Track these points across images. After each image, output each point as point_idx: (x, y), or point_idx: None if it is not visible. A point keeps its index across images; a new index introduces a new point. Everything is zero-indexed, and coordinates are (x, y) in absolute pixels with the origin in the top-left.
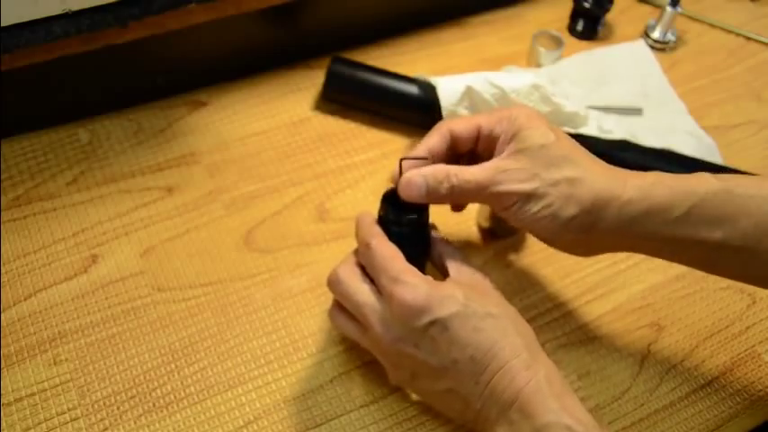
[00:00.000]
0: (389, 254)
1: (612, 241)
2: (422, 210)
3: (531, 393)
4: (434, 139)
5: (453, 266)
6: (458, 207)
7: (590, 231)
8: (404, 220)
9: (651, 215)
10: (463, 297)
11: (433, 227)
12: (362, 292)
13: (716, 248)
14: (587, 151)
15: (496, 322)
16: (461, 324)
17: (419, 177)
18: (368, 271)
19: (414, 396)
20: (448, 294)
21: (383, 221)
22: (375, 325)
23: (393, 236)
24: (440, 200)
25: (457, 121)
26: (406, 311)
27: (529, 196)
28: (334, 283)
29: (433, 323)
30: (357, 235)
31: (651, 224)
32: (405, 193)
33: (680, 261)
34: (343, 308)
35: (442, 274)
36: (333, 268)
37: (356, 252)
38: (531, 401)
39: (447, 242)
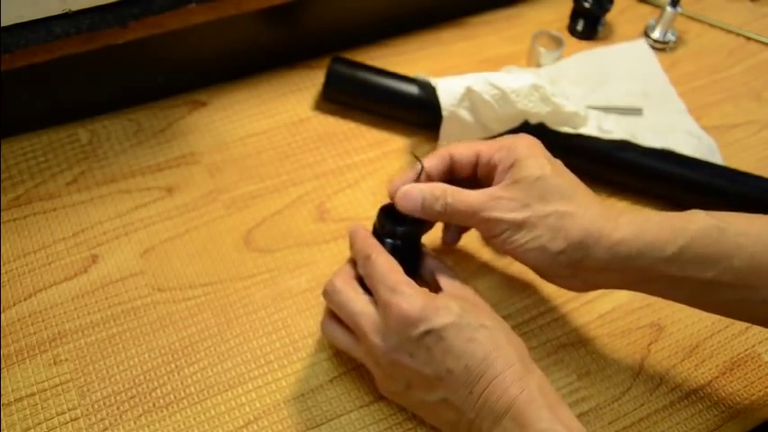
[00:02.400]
0: (389, 266)
1: (603, 278)
2: (417, 225)
3: (525, 403)
4: (432, 160)
5: (445, 281)
6: (451, 239)
7: (578, 266)
8: (398, 232)
9: (643, 254)
10: (458, 308)
11: (423, 245)
12: (359, 301)
13: (708, 287)
14: (583, 185)
15: (490, 333)
16: (456, 334)
17: (416, 191)
18: (366, 282)
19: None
20: (443, 305)
21: (378, 233)
22: (370, 334)
23: (386, 248)
24: (434, 216)
25: (458, 147)
26: (403, 321)
27: (519, 226)
28: (330, 293)
29: (428, 332)
30: (353, 247)
31: (643, 262)
32: (401, 204)
33: (673, 299)
34: (336, 318)
35: (433, 288)
36: (329, 279)
37: (352, 263)
38: (525, 411)
39: (437, 258)
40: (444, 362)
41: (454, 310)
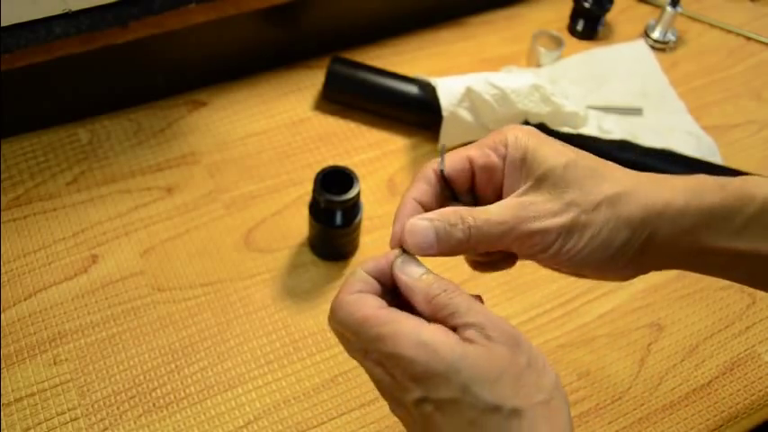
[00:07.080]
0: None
1: (663, 258)
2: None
3: None
4: (419, 188)
5: (487, 315)
6: (484, 266)
7: (645, 250)
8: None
9: (709, 225)
10: (467, 378)
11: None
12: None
13: None
14: (611, 162)
15: (507, 423)
16: (455, 412)
17: (423, 222)
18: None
19: None
20: (444, 371)
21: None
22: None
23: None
24: (456, 247)
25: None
26: (402, 382)
27: (569, 230)
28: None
29: (424, 400)
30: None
31: (708, 234)
32: (411, 243)
33: (733, 278)
34: None
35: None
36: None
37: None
38: None
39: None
40: None
41: (458, 380)
